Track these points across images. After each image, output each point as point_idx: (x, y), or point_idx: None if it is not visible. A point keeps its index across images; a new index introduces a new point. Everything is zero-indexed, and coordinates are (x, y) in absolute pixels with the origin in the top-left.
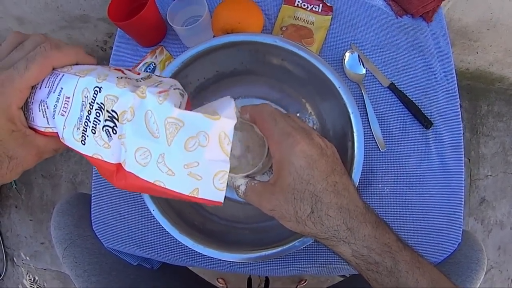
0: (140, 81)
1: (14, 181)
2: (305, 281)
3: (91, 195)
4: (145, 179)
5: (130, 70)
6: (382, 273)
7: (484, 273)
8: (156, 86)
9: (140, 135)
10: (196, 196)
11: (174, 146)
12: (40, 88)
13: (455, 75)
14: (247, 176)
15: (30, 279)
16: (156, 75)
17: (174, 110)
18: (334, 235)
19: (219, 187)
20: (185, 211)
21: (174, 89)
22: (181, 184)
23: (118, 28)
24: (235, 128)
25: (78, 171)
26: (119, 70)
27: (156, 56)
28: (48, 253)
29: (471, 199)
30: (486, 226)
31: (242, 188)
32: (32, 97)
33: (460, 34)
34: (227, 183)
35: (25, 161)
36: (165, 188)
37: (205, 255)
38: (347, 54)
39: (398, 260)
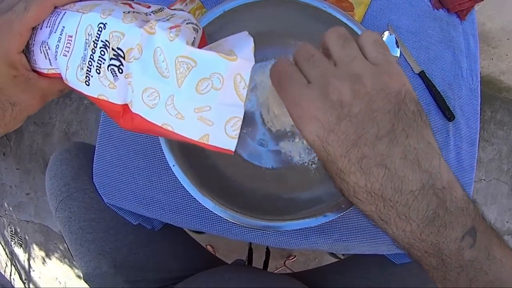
0: (150, 14)
1: None
2: (294, 257)
3: (93, 145)
4: (153, 121)
5: (139, 4)
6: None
7: None
8: (168, 20)
9: (148, 75)
10: (206, 143)
11: (184, 87)
12: (41, 29)
13: (479, 76)
14: None
15: (11, 231)
16: (169, 9)
17: (186, 48)
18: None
19: (231, 134)
20: (204, 171)
21: (187, 23)
22: (190, 129)
23: None
24: None
25: (73, 121)
26: (127, 3)
27: (186, 4)
28: (32, 205)
29: None
30: None
31: None
32: (33, 39)
33: (481, 38)
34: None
35: (29, 107)
36: (173, 132)
37: (216, 220)
38: (386, 34)
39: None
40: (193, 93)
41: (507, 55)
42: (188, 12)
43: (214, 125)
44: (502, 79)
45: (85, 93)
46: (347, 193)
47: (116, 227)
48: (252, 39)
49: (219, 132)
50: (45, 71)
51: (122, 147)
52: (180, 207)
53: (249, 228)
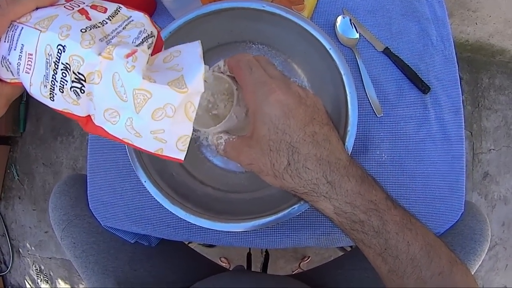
0: (106, 23)
1: (16, 172)
2: (308, 258)
3: (86, 175)
4: (114, 135)
5: (96, 8)
6: (369, 233)
7: (488, 244)
8: (123, 28)
9: (108, 98)
10: (160, 154)
11: (142, 114)
12: None
13: (452, 40)
14: (225, 133)
15: (36, 269)
16: (126, 9)
17: (142, 82)
18: (314, 189)
19: (181, 148)
20: (178, 183)
21: (142, 40)
22: (147, 144)
23: None
24: (206, 82)
25: (79, 156)
26: (83, 12)
27: None
28: (52, 242)
29: (474, 173)
30: (490, 201)
31: (221, 145)
32: None
33: (458, 4)
34: (210, 142)
35: None
36: (133, 144)
37: (200, 229)
38: (339, 18)
39: (386, 220)
40: (149, 119)
41: (490, 16)
42: (144, 15)
43: (168, 142)
44: (493, 42)
45: (51, 106)
46: (297, 165)
47: (116, 247)
48: (203, 65)
49: (172, 147)
50: (8, 80)
51: (109, 173)
52: (166, 220)
53: (229, 232)
